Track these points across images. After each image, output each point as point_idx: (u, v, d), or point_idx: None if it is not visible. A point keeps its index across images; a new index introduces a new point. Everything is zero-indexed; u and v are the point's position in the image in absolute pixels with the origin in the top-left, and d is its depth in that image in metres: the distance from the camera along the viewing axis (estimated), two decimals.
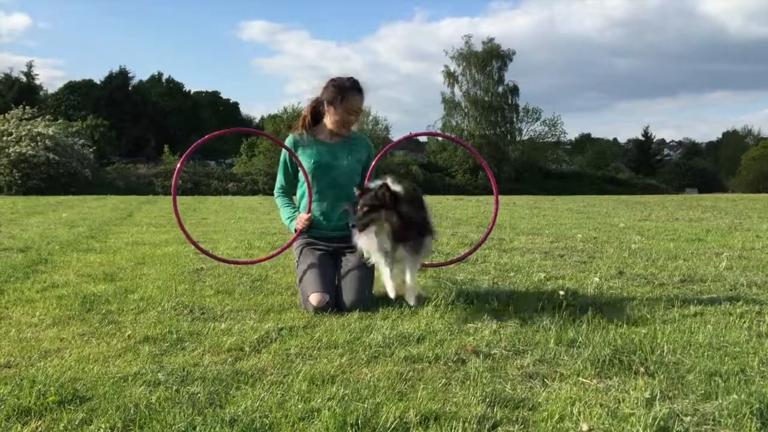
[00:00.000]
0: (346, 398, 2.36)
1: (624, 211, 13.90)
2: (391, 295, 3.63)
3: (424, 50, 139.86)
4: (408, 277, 3.61)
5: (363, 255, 3.84)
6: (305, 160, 4.18)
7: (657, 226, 9.78)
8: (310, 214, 4.12)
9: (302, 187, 4.25)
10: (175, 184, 4.27)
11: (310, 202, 4.14)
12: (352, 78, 4.14)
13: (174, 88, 66.41)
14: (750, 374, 2.64)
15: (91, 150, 33.05)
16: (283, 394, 2.41)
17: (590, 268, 5.36)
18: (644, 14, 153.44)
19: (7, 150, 28.42)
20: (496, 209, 4.50)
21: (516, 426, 2.15)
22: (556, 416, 2.20)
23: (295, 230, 4.18)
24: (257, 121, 67.57)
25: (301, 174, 4.23)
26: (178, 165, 4.35)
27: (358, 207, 3.48)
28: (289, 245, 4.23)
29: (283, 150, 4.25)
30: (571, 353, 2.90)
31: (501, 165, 45.14)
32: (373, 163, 4.25)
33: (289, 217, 4.30)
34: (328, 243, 4.16)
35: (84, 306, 3.86)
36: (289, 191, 4.41)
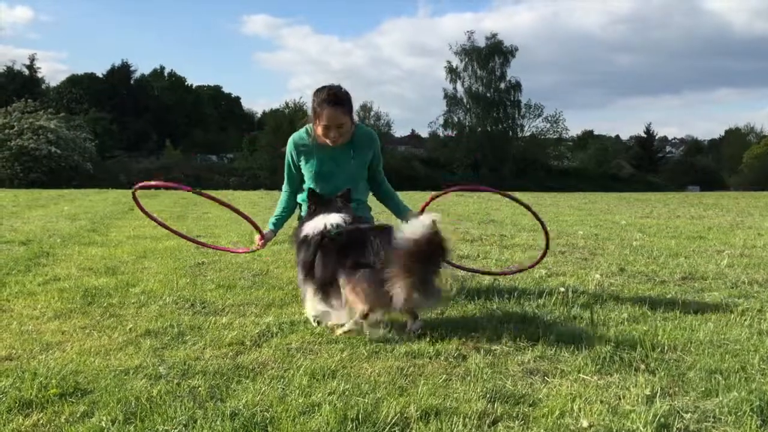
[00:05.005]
0: (346, 393, 2.37)
1: (625, 208, 13.89)
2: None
3: (426, 46, 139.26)
4: None
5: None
6: (307, 168, 4.04)
7: (658, 223, 9.77)
8: (263, 241, 3.95)
9: (304, 193, 4.07)
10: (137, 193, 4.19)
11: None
12: (331, 89, 3.87)
13: (176, 82, 66.29)
14: (751, 372, 2.64)
15: (93, 143, 33.08)
16: (283, 389, 2.42)
17: (591, 265, 5.35)
18: (648, 11, 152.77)
19: (9, 143, 28.47)
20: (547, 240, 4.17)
21: (516, 422, 2.15)
22: (557, 412, 2.20)
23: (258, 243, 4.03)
24: (259, 115, 67.49)
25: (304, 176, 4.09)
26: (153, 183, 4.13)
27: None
28: (238, 251, 4.32)
29: (287, 151, 4.10)
30: (572, 350, 2.90)
31: (502, 161, 45.11)
32: (425, 204, 4.06)
33: (272, 221, 4.12)
34: None
35: (85, 299, 3.87)
36: (293, 192, 4.20)
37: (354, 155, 4.03)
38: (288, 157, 4.11)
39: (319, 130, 3.89)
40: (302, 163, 4.06)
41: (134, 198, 4.22)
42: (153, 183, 4.03)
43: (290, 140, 4.11)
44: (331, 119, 3.81)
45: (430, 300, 3.18)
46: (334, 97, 3.81)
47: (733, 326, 3.37)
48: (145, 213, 4.29)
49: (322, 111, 3.81)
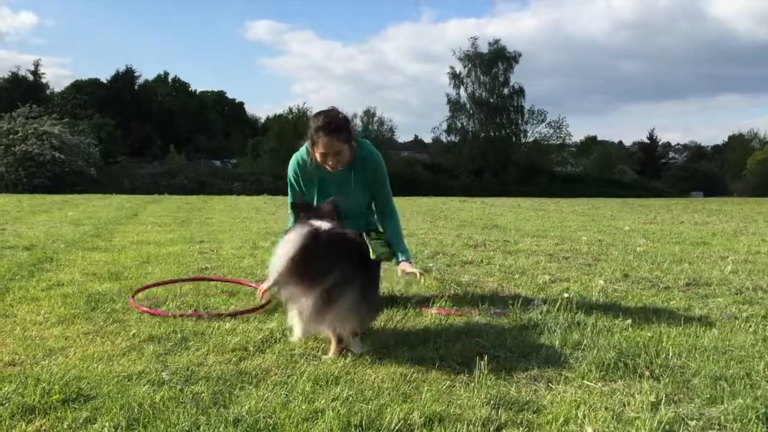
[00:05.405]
0: (350, 399, 2.36)
1: (629, 213, 13.87)
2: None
3: (430, 51, 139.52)
4: None
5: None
6: (308, 192, 3.95)
7: (662, 229, 9.75)
8: (268, 296, 3.85)
9: None
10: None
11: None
12: (327, 116, 3.69)
13: (180, 87, 66.54)
14: (756, 378, 2.62)
15: (97, 149, 33.16)
16: (287, 395, 2.41)
17: (595, 271, 5.34)
18: (652, 17, 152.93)
19: (13, 148, 28.54)
20: None
21: (521, 428, 2.14)
22: (561, 419, 2.19)
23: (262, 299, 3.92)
24: (263, 120, 67.73)
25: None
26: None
27: None
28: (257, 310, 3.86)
29: (290, 172, 4.01)
30: (576, 356, 2.89)
31: (506, 167, 45.10)
32: None
33: None
34: None
35: (89, 305, 3.87)
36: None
37: (354, 178, 3.92)
38: (290, 178, 4.02)
39: (317, 156, 3.78)
40: (303, 185, 3.98)
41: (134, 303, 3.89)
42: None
43: (292, 160, 4.01)
44: (328, 147, 3.69)
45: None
46: (330, 125, 3.67)
47: (737, 332, 3.35)
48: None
49: (318, 138, 3.69)
